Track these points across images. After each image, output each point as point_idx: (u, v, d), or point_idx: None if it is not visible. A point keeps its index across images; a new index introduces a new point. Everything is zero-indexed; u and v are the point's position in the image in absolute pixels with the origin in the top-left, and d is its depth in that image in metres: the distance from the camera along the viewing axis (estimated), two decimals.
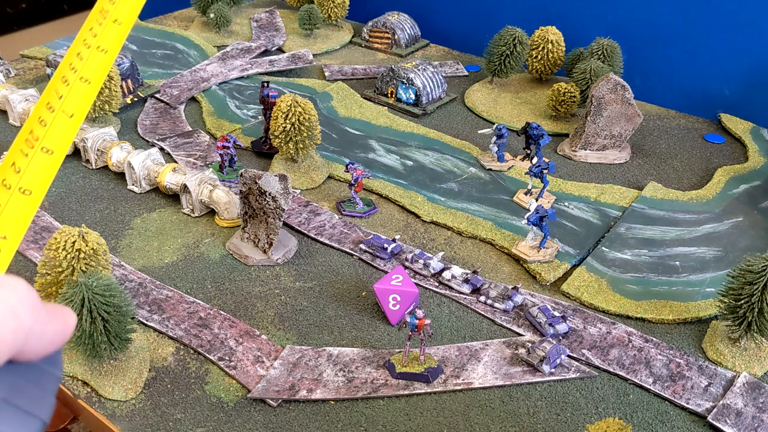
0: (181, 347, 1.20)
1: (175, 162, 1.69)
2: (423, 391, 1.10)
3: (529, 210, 1.36)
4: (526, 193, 1.58)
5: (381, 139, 1.82)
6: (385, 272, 1.35)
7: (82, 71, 0.38)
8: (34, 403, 0.30)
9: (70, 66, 0.38)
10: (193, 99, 2.04)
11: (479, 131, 1.78)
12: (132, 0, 0.39)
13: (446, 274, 1.33)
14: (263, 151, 1.75)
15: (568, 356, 1.16)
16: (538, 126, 1.57)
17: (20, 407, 0.29)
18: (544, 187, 1.53)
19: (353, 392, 1.10)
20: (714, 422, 1.05)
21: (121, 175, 1.65)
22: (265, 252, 1.39)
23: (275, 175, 1.34)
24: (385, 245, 1.39)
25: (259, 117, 1.92)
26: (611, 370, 1.14)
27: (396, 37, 2.35)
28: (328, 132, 1.84)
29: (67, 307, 0.34)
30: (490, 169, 1.69)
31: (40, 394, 0.30)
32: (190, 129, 1.87)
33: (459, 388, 1.11)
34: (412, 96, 1.97)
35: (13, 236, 0.35)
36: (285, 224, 1.47)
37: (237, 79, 2.13)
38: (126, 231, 1.49)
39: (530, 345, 1.16)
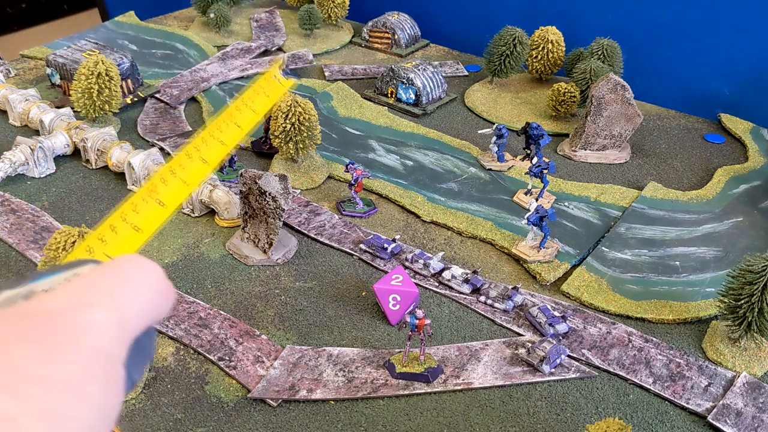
0: (181, 347, 1.20)
1: None
2: (423, 391, 1.10)
3: (529, 210, 1.36)
4: (526, 193, 1.58)
5: (381, 139, 1.82)
6: (385, 272, 1.35)
7: (203, 153, 0.49)
8: (135, 367, 0.34)
9: (195, 147, 0.49)
10: (193, 99, 2.04)
11: (479, 131, 1.78)
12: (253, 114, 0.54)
13: (446, 274, 1.33)
14: (263, 151, 1.75)
15: (568, 356, 1.16)
16: (538, 126, 1.57)
17: (126, 365, 0.33)
18: (544, 187, 1.53)
19: (353, 392, 1.10)
20: (714, 422, 1.05)
21: (121, 175, 1.65)
22: (265, 252, 1.39)
23: (275, 175, 1.34)
24: (385, 245, 1.39)
25: None
26: (611, 370, 1.14)
27: (396, 37, 2.35)
28: (328, 132, 1.84)
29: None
30: (490, 169, 1.69)
31: (139, 362, 0.35)
32: (190, 129, 1.87)
33: (459, 388, 1.11)
34: (412, 96, 1.97)
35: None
36: (285, 224, 1.47)
37: (237, 79, 2.13)
38: None
39: (530, 345, 1.16)
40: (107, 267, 0.35)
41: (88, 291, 0.32)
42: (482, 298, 1.28)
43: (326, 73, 2.18)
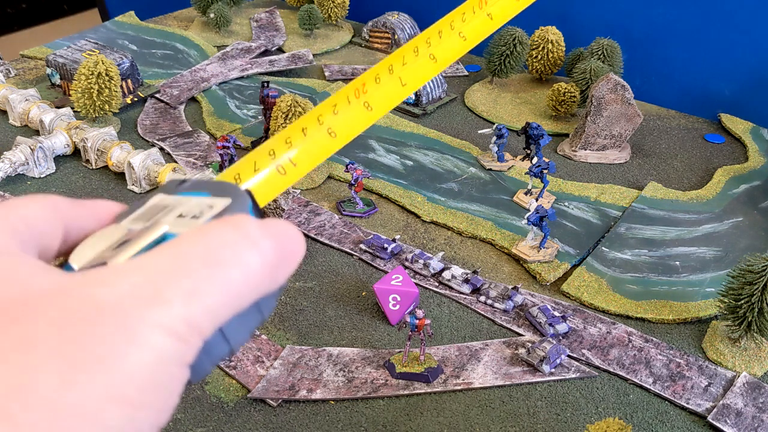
0: None
1: (175, 162, 1.69)
2: (423, 391, 1.10)
3: (529, 210, 1.36)
4: (526, 193, 1.58)
5: (381, 139, 1.82)
6: (385, 272, 1.35)
7: (434, 49, 0.40)
8: (235, 332, 0.31)
9: (426, 40, 0.40)
10: (193, 99, 2.04)
11: (479, 131, 1.78)
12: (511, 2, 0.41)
13: (446, 274, 1.33)
14: None
15: (568, 356, 1.16)
16: (538, 126, 1.57)
17: (224, 332, 0.30)
18: (544, 187, 1.53)
19: (353, 392, 1.10)
20: (714, 422, 1.05)
21: (121, 175, 1.65)
22: None
23: None
24: (385, 245, 1.39)
25: (259, 117, 1.92)
26: (611, 370, 1.14)
27: (396, 37, 2.35)
28: None
29: (297, 234, 0.33)
30: (490, 169, 1.69)
31: (243, 326, 0.31)
32: (190, 129, 1.87)
33: (459, 388, 1.11)
34: (412, 96, 1.97)
35: (302, 166, 0.37)
36: None
37: (237, 79, 2.13)
38: None
39: (530, 345, 1.16)
40: (209, 236, 0.29)
41: (168, 274, 0.27)
42: (482, 298, 1.28)
43: (326, 73, 2.18)
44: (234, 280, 0.29)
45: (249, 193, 0.34)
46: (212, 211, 0.32)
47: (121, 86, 1.91)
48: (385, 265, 1.37)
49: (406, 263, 1.37)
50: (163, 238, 0.31)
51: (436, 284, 1.33)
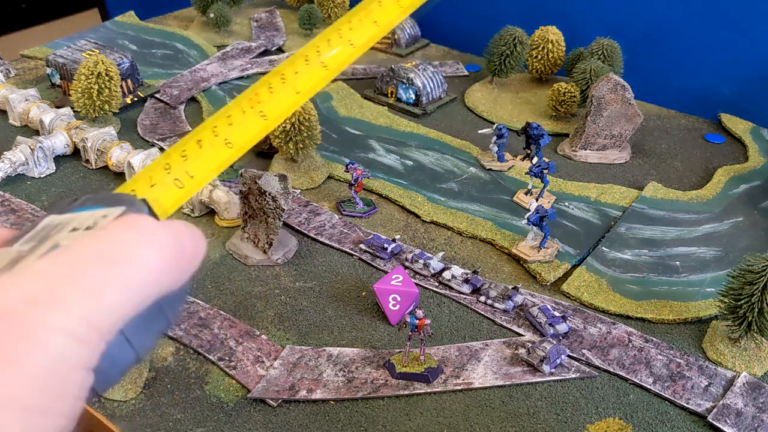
0: (181, 347, 1.20)
1: None
2: (423, 391, 1.10)
3: (529, 210, 1.36)
4: (526, 193, 1.58)
5: (381, 139, 1.82)
6: (385, 272, 1.35)
7: (324, 58, 0.41)
8: (139, 337, 0.30)
9: (317, 49, 0.41)
10: (193, 99, 2.04)
11: (479, 131, 1.78)
12: (395, 8, 0.43)
13: (446, 274, 1.33)
14: (263, 151, 1.75)
15: (568, 356, 1.16)
16: (538, 126, 1.57)
17: (126, 335, 0.29)
18: (544, 187, 1.53)
19: (353, 392, 1.10)
20: (714, 422, 1.05)
21: (121, 175, 1.65)
22: (265, 252, 1.39)
23: (275, 175, 1.34)
24: (385, 245, 1.39)
25: None
26: (611, 370, 1.14)
27: (396, 37, 2.35)
28: (328, 132, 1.84)
29: (197, 233, 0.33)
30: (490, 169, 1.69)
31: (148, 331, 0.31)
32: (190, 129, 1.87)
33: (459, 388, 1.11)
34: (412, 96, 1.97)
35: (200, 177, 0.38)
36: (285, 224, 1.47)
37: (237, 79, 2.13)
38: None
39: (530, 345, 1.16)
40: (103, 237, 0.29)
41: (63, 277, 0.27)
42: (482, 298, 1.28)
43: None
44: (132, 276, 0.28)
45: (145, 201, 0.34)
46: (106, 219, 0.31)
47: (121, 86, 1.91)
48: (385, 265, 1.37)
49: (406, 263, 1.37)
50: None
51: (436, 284, 1.33)
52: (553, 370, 1.13)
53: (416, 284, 1.27)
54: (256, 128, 0.39)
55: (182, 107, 1.98)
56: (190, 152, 0.37)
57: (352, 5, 2.54)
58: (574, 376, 1.13)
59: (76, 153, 1.73)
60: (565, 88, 1.86)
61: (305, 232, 1.47)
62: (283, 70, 0.40)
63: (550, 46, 2.01)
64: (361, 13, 0.43)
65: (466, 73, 2.21)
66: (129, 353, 0.30)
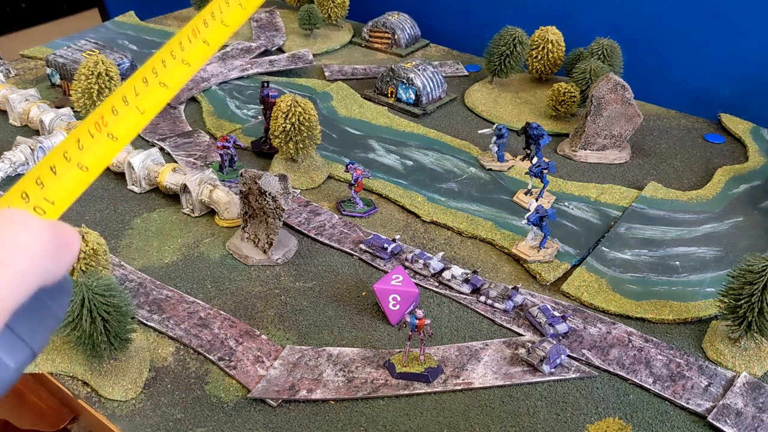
0: (181, 347, 1.20)
1: (175, 162, 1.69)
2: (423, 391, 1.10)
3: (529, 210, 1.36)
4: (526, 193, 1.58)
5: (381, 139, 1.82)
6: (385, 272, 1.35)
7: (162, 77, 0.42)
8: (31, 333, 0.31)
9: (153, 69, 0.42)
10: (193, 99, 2.04)
11: (479, 131, 1.78)
12: (222, 29, 0.44)
13: (446, 274, 1.33)
14: (263, 151, 1.75)
15: (568, 356, 1.16)
16: (538, 126, 1.57)
17: (16, 332, 0.30)
18: (544, 187, 1.53)
19: (353, 392, 1.10)
20: (714, 422, 1.05)
21: (121, 175, 1.65)
22: (265, 252, 1.39)
23: (275, 175, 1.34)
24: (385, 245, 1.39)
25: (259, 117, 1.92)
26: (611, 370, 1.14)
27: (396, 37, 2.35)
28: (328, 132, 1.84)
29: (71, 229, 0.35)
30: (490, 169, 1.69)
31: (38, 327, 0.31)
32: (190, 129, 1.87)
33: (459, 388, 1.11)
34: (412, 96, 1.97)
35: (60, 203, 0.38)
36: (285, 224, 1.47)
37: (237, 79, 2.13)
38: (126, 231, 1.49)
39: (530, 345, 1.16)
40: None
41: None
42: (482, 298, 1.28)
43: (326, 73, 2.18)
44: (10, 261, 0.29)
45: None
46: None
47: None
48: (385, 265, 1.37)
49: (406, 263, 1.37)
50: None
51: (436, 284, 1.33)
52: (553, 370, 1.13)
53: (416, 284, 1.27)
54: (107, 149, 0.40)
55: (182, 107, 1.98)
56: (46, 179, 0.38)
57: (352, 5, 2.54)
58: (574, 376, 1.13)
59: None
60: (565, 88, 1.86)
61: (305, 232, 1.47)
62: (124, 91, 0.42)
63: (550, 46, 2.01)
64: (190, 32, 0.44)
65: (466, 73, 2.21)
66: (22, 349, 0.30)
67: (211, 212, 1.54)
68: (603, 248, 1.42)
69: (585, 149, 1.75)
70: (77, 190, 0.39)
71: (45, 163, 0.39)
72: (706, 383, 1.12)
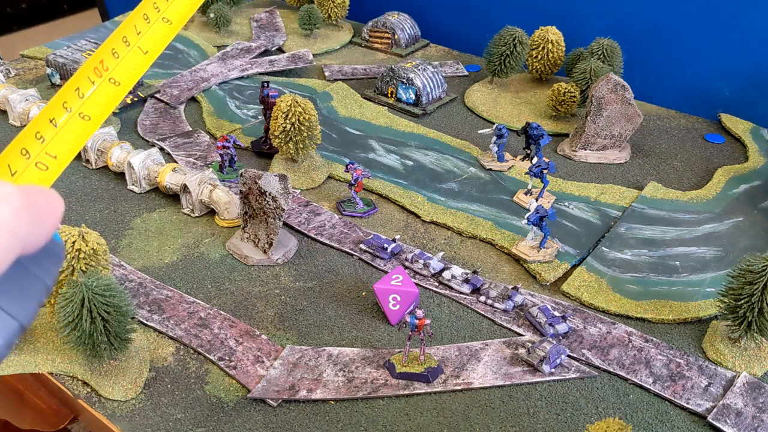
0: (181, 347, 1.20)
1: (175, 162, 1.69)
2: (423, 391, 1.10)
3: (529, 210, 1.36)
4: (526, 193, 1.58)
5: (381, 139, 1.82)
6: (385, 272, 1.35)
7: (165, 12, 0.39)
8: (16, 305, 0.30)
9: (154, 5, 0.39)
10: (193, 99, 2.04)
11: (479, 131, 1.78)
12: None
13: (446, 274, 1.33)
14: (263, 151, 1.75)
15: (568, 356, 1.16)
16: (538, 126, 1.57)
17: (1, 306, 0.29)
18: (544, 187, 1.53)
19: (353, 392, 1.10)
20: (714, 422, 1.05)
21: (121, 175, 1.65)
22: (265, 252, 1.39)
23: (275, 175, 1.34)
24: (385, 245, 1.39)
25: (259, 117, 1.92)
26: (611, 370, 1.14)
27: (396, 37, 2.35)
28: (328, 132, 1.84)
29: (51, 192, 0.33)
30: (490, 169, 1.69)
31: (24, 298, 0.30)
32: (190, 129, 1.87)
33: (459, 388, 1.11)
34: (412, 96, 1.97)
35: (63, 157, 0.37)
36: (285, 224, 1.47)
37: (237, 79, 2.13)
38: (126, 231, 1.49)
39: (530, 345, 1.16)
40: None
41: None
42: (482, 298, 1.28)
43: (326, 73, 2.18)
44: None
45: None
46: None
47: None
48: (385, 265, 1.37)
49: (406, 263, 1.37)
50: None
51: (436, 284, 1.33)
52: (553, 370, 1.13)
53: (416, 284, 1.27)
54: (109, 96, 0.38)
55: (182, 107, 1.98)
56: (45, 132, 0.36)
57: (352, 5, 2.54)
58: (574, 376, 1.13)
59: None
60: (565, 88, 1.86)
61: (305, 232, 1.47)
62: (124, 32, 0.39)
63: (550, 46, 2.01)
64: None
65: (466, 73, 2.21)
66: (9, 321, 0.29)
67: (211, 212, 1.54)
68: (603, 248, 1.42)
69: (585, 149, 1.75)
70: (80, 142, 0.37)
71: (43, 115, 0.37)
72: (706, 383, 1.12)
